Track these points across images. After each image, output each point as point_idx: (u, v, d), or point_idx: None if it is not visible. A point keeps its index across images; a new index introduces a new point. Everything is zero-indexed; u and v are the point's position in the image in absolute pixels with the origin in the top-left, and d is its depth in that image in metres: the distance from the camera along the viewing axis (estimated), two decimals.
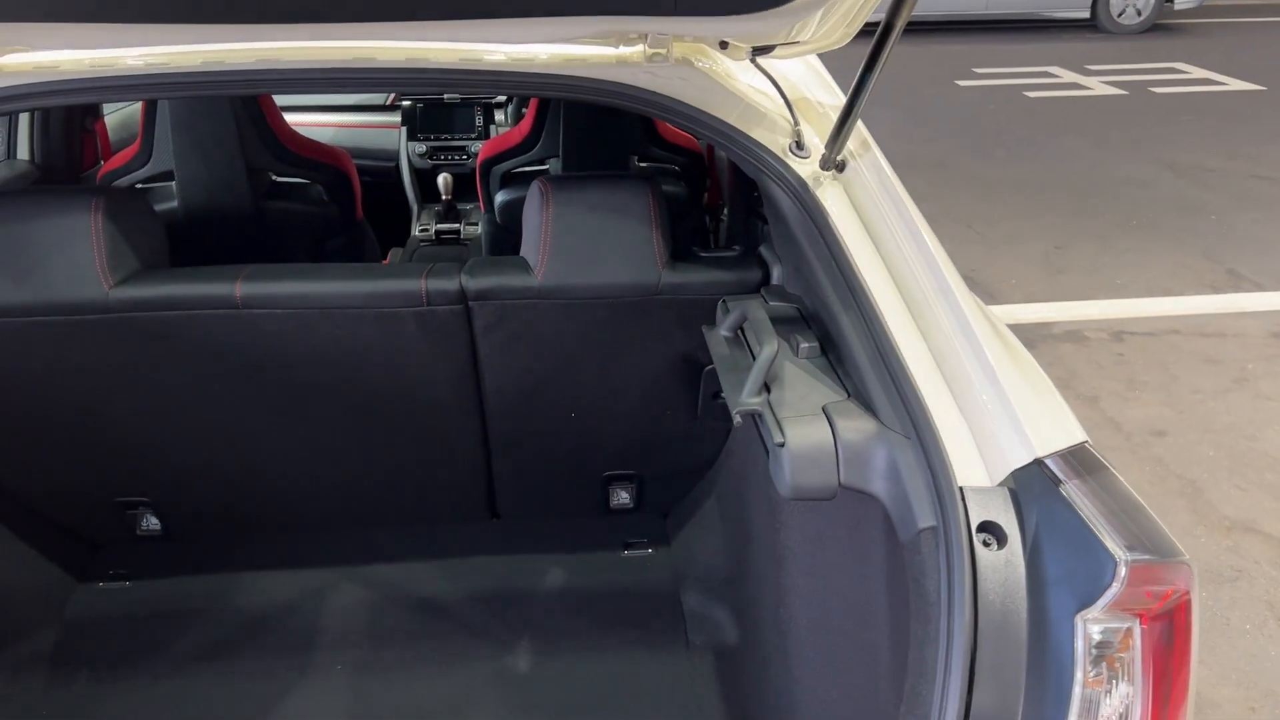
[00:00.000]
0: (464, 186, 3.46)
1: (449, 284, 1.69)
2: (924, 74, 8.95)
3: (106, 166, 2.61)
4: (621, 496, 2.14)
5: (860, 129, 1.60)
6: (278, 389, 1.78)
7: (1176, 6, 11.03)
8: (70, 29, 1.40)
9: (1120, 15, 10.96)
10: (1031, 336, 4.27)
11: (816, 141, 1.59)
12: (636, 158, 2.88)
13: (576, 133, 2.68)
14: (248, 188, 2.52)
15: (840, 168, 1.56)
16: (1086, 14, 11.02)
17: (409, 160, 3.53)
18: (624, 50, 1.62)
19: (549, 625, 2.00)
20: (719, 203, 2.91)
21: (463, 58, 1.58)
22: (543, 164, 2.85)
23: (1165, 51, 10.09)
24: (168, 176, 2.55)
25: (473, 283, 1.69)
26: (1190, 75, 9.11)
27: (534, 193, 1.75)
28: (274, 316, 1.67)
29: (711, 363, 1.83)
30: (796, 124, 1.60)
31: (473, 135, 3.55)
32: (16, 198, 1.65)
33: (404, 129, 3.54)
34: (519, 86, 1.57)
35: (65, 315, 1.63)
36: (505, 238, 2.91)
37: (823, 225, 1.48)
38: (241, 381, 1.76)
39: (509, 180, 2.87)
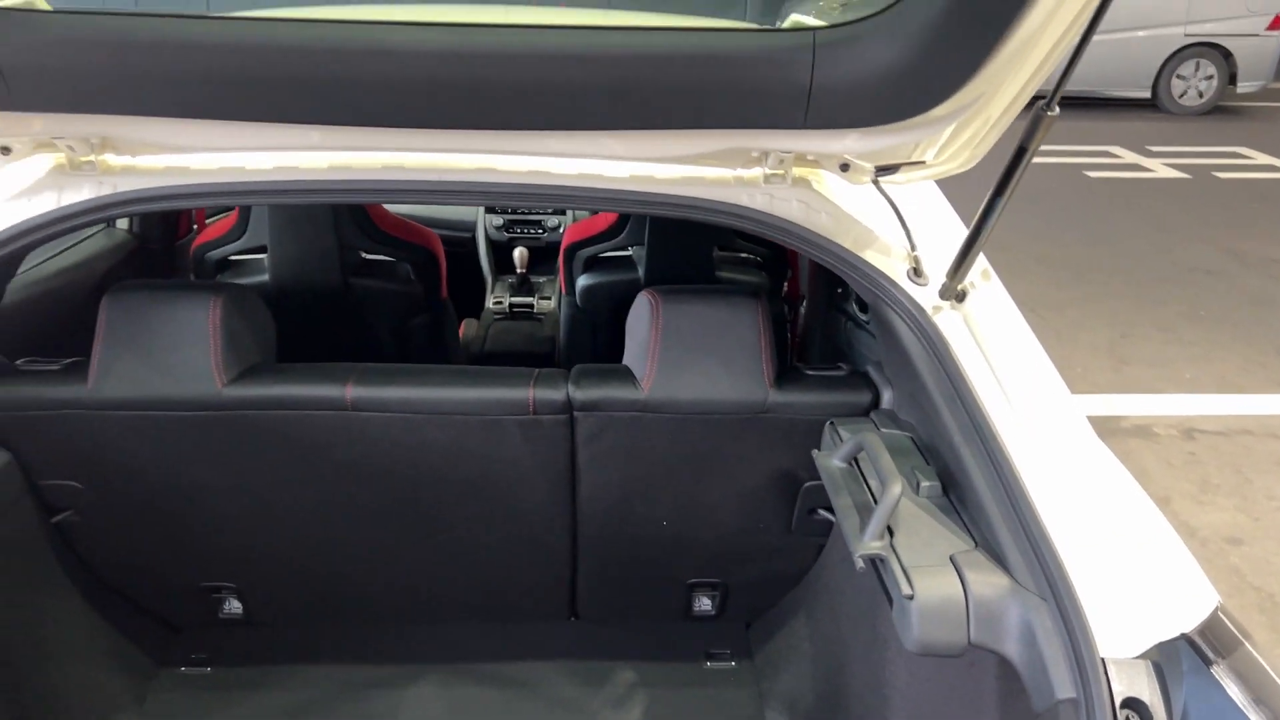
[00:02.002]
0: (538, 260, 3.48)
1: (556, 394, 1.68)
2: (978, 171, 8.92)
3: (201, 238, 2.65)
4: (704, 603, 2.10)
5: (981, 259, 1.58)
6: (375, 487, 1.78)
7: (1239, 90, 10.97)
8: (208, 127, 1.42)
9: (1181, 96, 10.92)
10: (1100, 430, 4.20)
11: (934, 269, 1.57)
12: (718, 248, 2.89)
13: (662, 222, 2.69)
14: (338, 265, 2.55)
15: (960, 297, 1.54)
16: (1147, 94, 11.00)
17: (485, 233, 3.56)
18: (742, 172, 1.62)
19: None
20: (799, 295, 2.89)
21: (582, 173, 1.59)
22: (626, 250, 2.86)
23: (1228, 135, 10.01)
24: (261, 250, 2.59)
25: (579, 394, 1.68)
26: (1254, 161, 9.03)
27: (642, 303, 1.74)
28: (382, 419, 1.67)
29: (811, 480, 1.81)
30: (914, 250, 1.58)
31: (549, 210, 3.57)
32: (139, 291, 1.68)
33: None
34: (639, 205, 1.57)
35: (178, 411, 1.64)
36: (585, 320, 2.92)
37: (943, 355, 1.46)
38: (341, 479, 1.76)
39: (592, 265, 2.88)
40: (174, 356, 1.63)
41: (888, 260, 1.58)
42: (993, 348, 1.49)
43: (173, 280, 2.49)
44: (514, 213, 3.55)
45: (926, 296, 1.54)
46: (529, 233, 3.53)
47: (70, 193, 1.53)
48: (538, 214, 3.55)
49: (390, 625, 2.15)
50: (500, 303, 3.35)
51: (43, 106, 1.37)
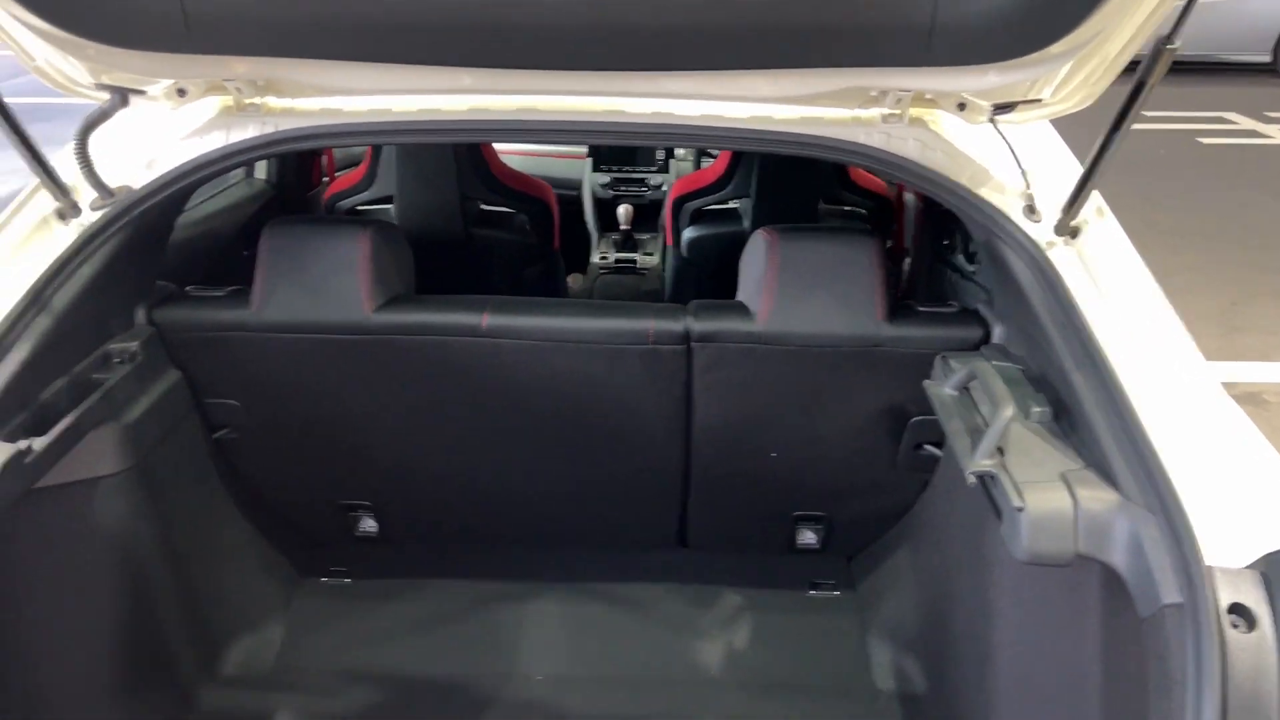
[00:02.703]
0: (641, 217, 3.57)
1: (675, 325, 1.77)
2: (1092, 117, 8.70)
3: (332, 188, 2.82)
4: (808, 537, 2.19)
5: (1096, 196, 1.62)
6: (505, 411, 1.90)
7: None
8: (363, 71, 1.54)
9: None
10: None
11: (1048, 207, 1.61)
12: (823, 201, 2.94)
13: (770, 175, 2.76)
14: (460, 215, 2.68)
15: (1074, 234, 1.59)
16: (1267, 58, 10.55)
17: (591, 191, 3.66)
18: (859, 112, 1.68)
19: (735, 657, 2.06)
20: (903, 249, 2.93)
21: (704, 114, 1.67)
22: (732, 203, 2.94)
23: None
24: (387, 200, 2.74)
25: (698, 325, 1.77)
26: None
27: (757, 241, 1.82)
28: (513, 346, 1.79)
29: (919, 414, 1.87)
30: (1029, 188, 1.63)
31: (653, 168, 3.66)
32: (295, 225, 1.82)
33: (590, 160, 3.68)
34: (759, 143, 1.65)
35: (330, 334, 1.79)
36: (690, 271, 3.01)
37: (1057, 287, 1.51)
38: (474, 402, 1.89)
39: (698, 217, 2.96)
40: (328, 284, 1.77)
41: (1003, 197, 1.63)
42: (1106, 282, 1.53)
43: (325, 216, 2.66)
44: (619, 170, 3.65)
45: (1041, 233, 1.59)
46: (633, 190, 3.62)
47: (237, 131, 1.68)
48: (642, 172, 3.64)
49: (513, 546, 2.29)
50: (605, 257, 3.46)
51: (220, 49, 1.51)
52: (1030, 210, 1.61)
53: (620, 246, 3.49)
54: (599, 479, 2.06)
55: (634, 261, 3.42)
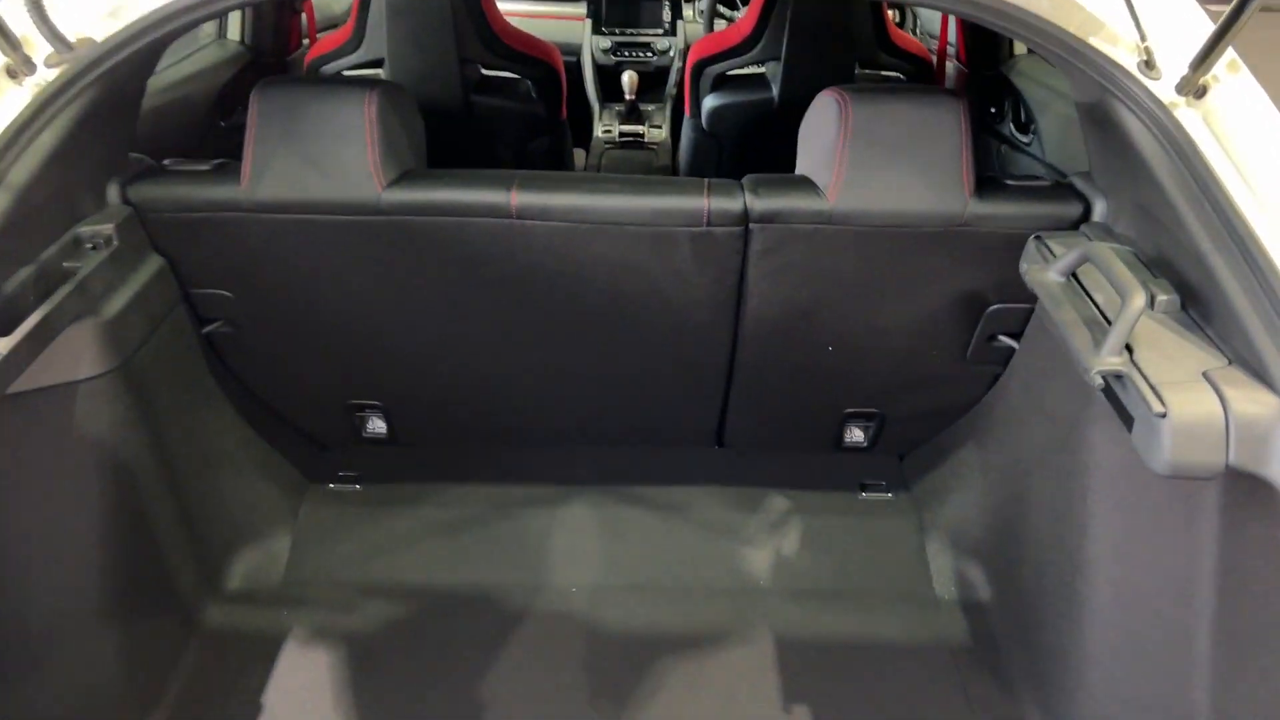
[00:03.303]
0: (647, 86, 3.29)
1: (732, 204, 1.55)
2: None
3: (315, 50, 2.52)
4: (855, 435, 2.02)
5: (1230, 50, 1.40)
6: (533, 301, 1.69)
7: None
8: None
9: None
10: None
11: (1167, 63, 1.39)
12: (860, 64, 2.69)
13: (804, 35, 2.49)
14: (459, 80, 2.41)
15: (1201, 93, 1.37)
16: None
17: (592, 56, 3.37)
18: None
19: (783, 564, 1.92)
20: None
21: None
22: (759, 67, 2.67)
23: None
24: (378, 64, 2.46)
25: (758, 203, 1.55)
26: None
27: (826, 104, 1.59)
28: (547, 229, 1.57)
29: (999, 302, 1.68)
30: (1145, 40, 1.40)
31: (659, 31, 3.36)
32: (290, 86, 1.57)
33: (589, 22, 3.37)
34: None
35: (336, 215, 1.56)
36: (710, 145, 2.76)
37: (1188, 154, 1.31)
38: (498, 291, 1.68)
39: (721, 83, 2.70)
40: (330, 156, 1.53)
41: (1116, 49, 1.40)
42: (1242, 148, 1.32)
43: (324, 76, 2.37)
44: (622, 34, 3.35)
45: (1161, 90, 1.37)
46: (638, 56, 3.33)
47: None
48: (647, 35, 3.34)
49: (538, 447, 2.11)
50: (609, 131, 3.19)
51: None
52: (1148, 65, 1.39)
53: (625, 118, 3.22)
54: (634, 375, 1.86)
55: (641, 135, 3.16)
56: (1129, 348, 1.24)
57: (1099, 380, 1.22)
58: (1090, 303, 1.36)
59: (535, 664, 1.72)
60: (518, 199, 1.54)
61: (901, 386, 1.89)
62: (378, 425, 2.01)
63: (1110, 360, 1.21)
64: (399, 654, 1.73)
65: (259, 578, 1.87)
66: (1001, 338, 1.74)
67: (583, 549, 1.95)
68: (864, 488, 2.06)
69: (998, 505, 1.79)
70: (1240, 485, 1.26)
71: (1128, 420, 1.22)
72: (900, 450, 2.10)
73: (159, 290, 1.61)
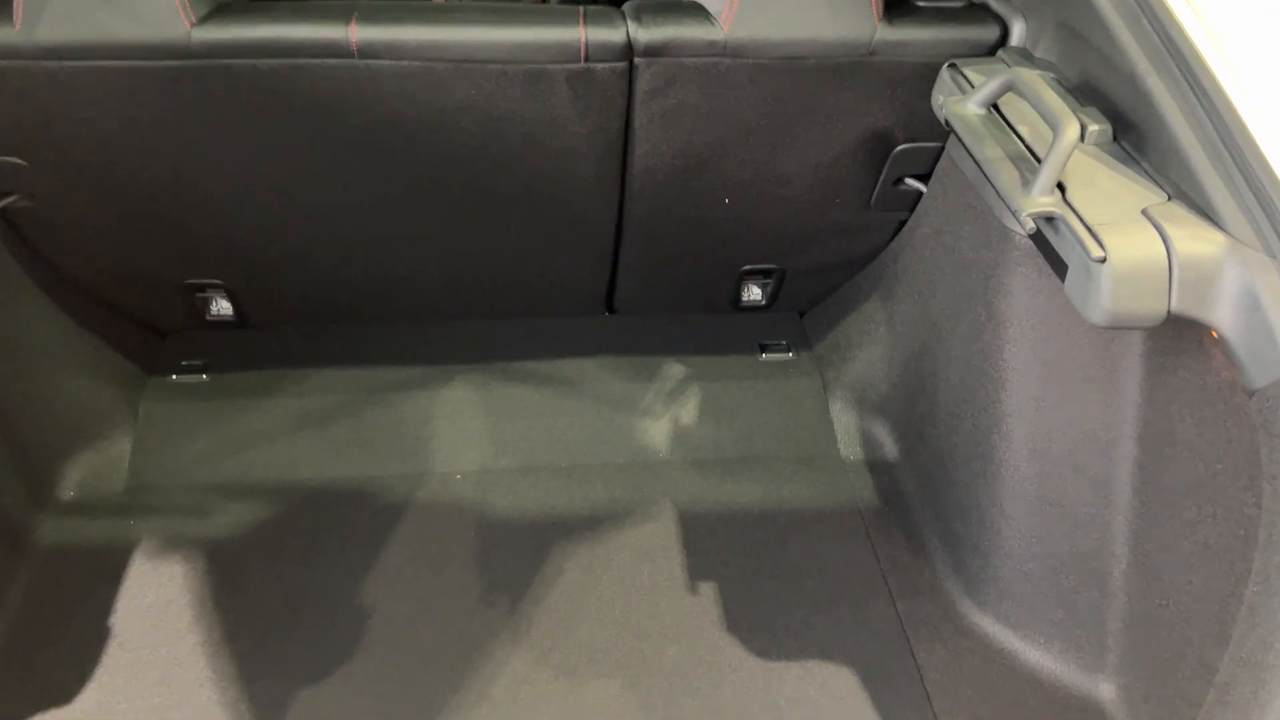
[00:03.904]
0: None
1: (613, 34, 1.35)
2: None
3: None
4: (754, 292, 1.89)
5: None
6: (387, 159, 1.47)
7: None
8: None
9: None
10: None
11: None
12: None
13: None
14: None
15: None
16: None
17: None
18: None
19: (683, 434, 1.80)
20: None
21: None
22: None
23: None
24: None
25: (643, 33, 1.35)
26: None
27: None
28: (396, 70, 1.33)
29: (906, 142, 1.54)
30: None
31: None
32: None
33: None
34: None
35: (135, 60, 1.29)
36: None
37: None
38: (346, 148, 1.45)
39: None
40: None
41: None
42: None
43: None
44: None
45: None
46: None
47: None
48: None
49: (408, 325, 1.91)
50: None
51: None
52: None
53: None
54: (511, 238, 1.67)
55: None
56: (1060, 186, 1.12)
57: (1030, 224, 1.10)
58: (1014, 136, 1.23)
59: (421, 560, 1.58)
60: (358, 33, 1.30)
61: (802, 238, 1.75)
62: (222, 306, 1.78)
63: (1041, 201, 1.09)
64: (264, 561, 1.56)
65: (98, 485, 1.66)
66: (909, 180, 1.60)
67: (466, 433, 1.79)
68: (764, 348, 1.93)
69: (905, 360, 1.69)
70: (1168, 331, 1.17)
71: (1059, 267, 1.11)
72: (800, 307, 1.98)
73: None
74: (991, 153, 1.19)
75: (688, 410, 1.84)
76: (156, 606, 1.48)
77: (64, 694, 1.36)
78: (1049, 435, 1.38)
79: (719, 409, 1.84)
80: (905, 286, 1.69)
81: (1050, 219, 1.10)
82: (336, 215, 1.58)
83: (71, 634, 1.44)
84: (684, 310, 1.96)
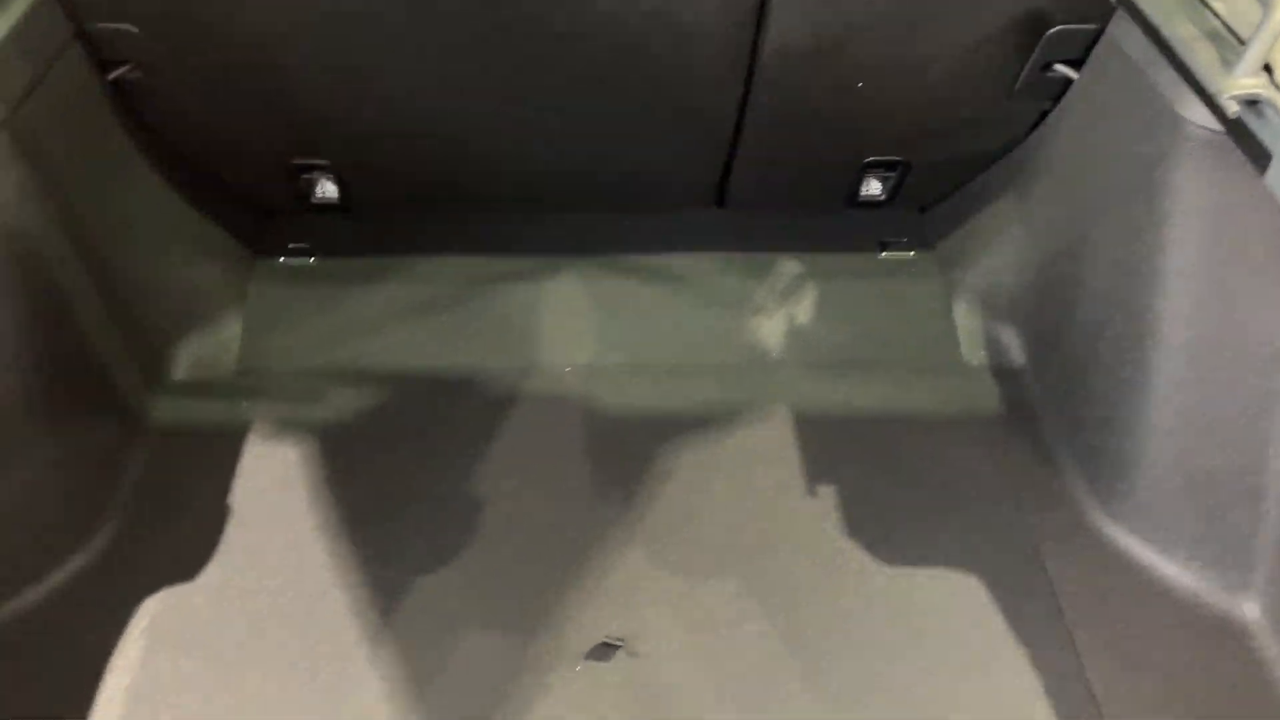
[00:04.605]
0: None
1: None
2: None
3: None
4: (874, 187, 1.79)
5: None
6: (505, 37, 1.39)
7: None
8: None
9: None
10: None
11: None
12: None
13: None
14: None
15: None
16: None
17: None
18: None
19: (797, 334, 1.73)
20: None
21: None
22: None
23: None
24: None
25: None
26: None
27: None
28: None
29: (1063, 23, 1.42)
30: None
31: None
32: None
33: None
34: None
35: None
36: None
37: None
38: (461, 24, 1.37)
39: None
40: None
41: None
42: None
43: None
44: None
45: None
46: None
47: None
48: None
49: (515, 215, 1.86)
50: None
51: None
52: None
53: None
54: (629, 123, 1.60)
55: None
56: (1267, 68, 1.01)
57: (1233, 107, 1.00)
58: (1211, 13, 1.11)
59: (531, 454, 1.55)
60: None
61: (933, 130, 1.65)
62: (328, 189, 1.74)
63: (1246, 82, 0.99)
64: (374, 445, 1.55)
65: (210, 367, 1.65)
66: (1058, 67, 1.49)
67: (574, 326, 1.74)
68: (884, 246, 1.85)
69: (1041, 262, 1.60)
70: None
71: (1260, 158, 1.01)
72: (923, 203, 1.89)
73: (44, 23, 1.29)
74: (1183, 30, 1.09)
75: (802, 309, 1.77)
76: (272, 488, 1.48)
77: (186, 570, 1.36)
78: (1209, 344, 1.29)
79: (835, 309, 1.77)
80: (1046, 183, 1.59)
81: (1254, 102, 1.00)
82: (449, 93, 1.52)
83: (191, 513, 1.44)
84: (798, 205, 1.87)
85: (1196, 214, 1.25)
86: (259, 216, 1.82)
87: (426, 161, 1.70)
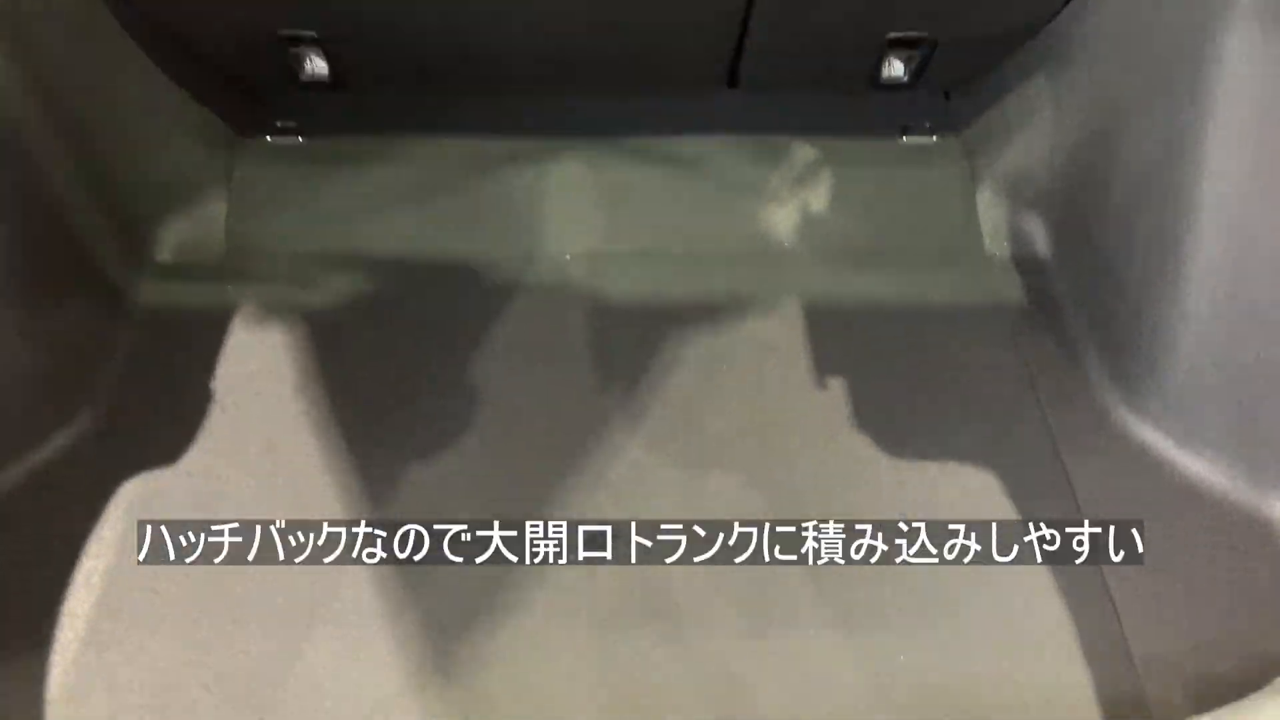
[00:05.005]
0: None
1: None
2: None
3: None
4: (895, 67, 1.68)
5: None
6: None
7: None
8: None
9: None
10: None
11: None
12: None
13: None
14: None
15: None
16: None
17: None
18: None
19: (812, 222, 1.65)
20: None
21: None
22: None
23: None
24: None
25: None
26: None
27: None
28: None
29: None
30: None
31: None
32: None
33: None
34: None
35: None
36: None
37: None
38: None
39: None
40: None
41: None
42: None
43: None
44: None
45: None
46: None
47: None
48: None
49: (514, 96, 1.76)
50: None
51: None
52: None
53: None
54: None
55: None
56: None
57: None
58: None
59: (531, 343, 1.49)
60: None
61: (960, 4, 1.54)
62: (317, 65, 1.64)
63: None
64: (368, 334, 1.49)
65: (195, 248, 1.58)
66: None
67: (577, 212, 1.66)
68: (905, 130, 1.75)
69: (1073, 147, 1.50)
70: None
71: None
72: (947, 85, 1.78)
73: None
74: None
75: (818, 197, 1.68)
76: (260, 373, 1.42)
77: (169, 455, 1.32)
78: (1254, 228, 1.20)
79: (853, 196, 1.68)
80: (1080, 61, 1.48)
81: None
82: None
83: (175, 397, 1.39)
84: (816, 86, 1.77)
85: (1247, 85, 1.16)
86: (244, 94, 1.73)
87: (422, 35, 1.60)
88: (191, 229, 1.59)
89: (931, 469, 1.34)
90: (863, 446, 1.37)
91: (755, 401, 1.43)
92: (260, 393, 1.40)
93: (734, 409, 1.42)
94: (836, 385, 1.45)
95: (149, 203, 1.57)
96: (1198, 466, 1.32)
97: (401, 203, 1.65)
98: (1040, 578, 1.23)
